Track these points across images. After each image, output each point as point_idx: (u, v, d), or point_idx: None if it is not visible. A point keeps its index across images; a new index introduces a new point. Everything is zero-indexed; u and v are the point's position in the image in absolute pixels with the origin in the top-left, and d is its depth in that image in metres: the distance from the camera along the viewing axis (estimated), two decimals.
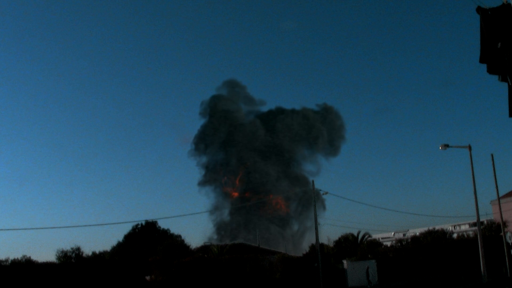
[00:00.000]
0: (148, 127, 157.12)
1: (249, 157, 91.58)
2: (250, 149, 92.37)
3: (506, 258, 40.51)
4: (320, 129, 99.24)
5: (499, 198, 42.16)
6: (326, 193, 54.96)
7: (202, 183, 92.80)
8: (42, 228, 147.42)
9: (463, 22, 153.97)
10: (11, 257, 41.03)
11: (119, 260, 47.54)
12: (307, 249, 55.68)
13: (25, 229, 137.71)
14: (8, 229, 78.60)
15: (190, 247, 51.99)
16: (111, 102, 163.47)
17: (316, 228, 43.70)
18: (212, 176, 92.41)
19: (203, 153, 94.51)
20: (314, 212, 44.29)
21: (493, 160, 41.02)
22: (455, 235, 65.53)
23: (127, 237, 57.09)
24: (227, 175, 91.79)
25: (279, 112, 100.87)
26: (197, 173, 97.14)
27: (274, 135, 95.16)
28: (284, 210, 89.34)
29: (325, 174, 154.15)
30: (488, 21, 7.81)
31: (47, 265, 41.94)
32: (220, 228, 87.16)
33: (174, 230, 74.37)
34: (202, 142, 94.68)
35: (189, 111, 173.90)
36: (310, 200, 45.24)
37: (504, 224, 43.32)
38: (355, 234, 54.19)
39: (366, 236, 54.70)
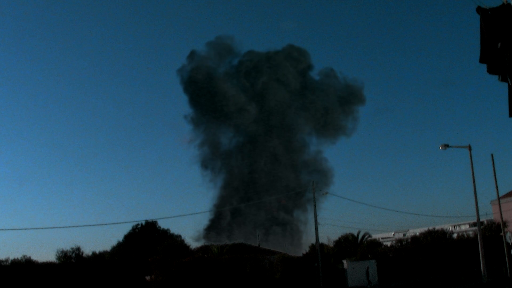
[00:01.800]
0: (148, 127, 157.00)
1: (242, 145, 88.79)
2: (243, 131, 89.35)
3: (506, 258, 40.52)
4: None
5: (499, 198, 42.16)
6: (326, 193, 55.28)
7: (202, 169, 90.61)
8: (42, 228, 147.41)
9: (463, 22, 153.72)
10: (11, 257, 41.13)
11: (119, 260, 47.56)
12: (307, 249, 55.74)
13: (25, 229, 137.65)
14: (8, 229, 78.63)
15: (190, 247, 52.08)
16: (111, 102, 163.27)
17: (316, 228, 43.71)
18: (209, 169, 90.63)
19: (200, 133, 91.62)
20: (314, 212, 44.28)
21: (493, 160, 41.05)
22: (455, 235, 65.59)
23: (127, 237, 57.12)
24: (224, 169, 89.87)
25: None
26: (197, 170, 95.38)
27: (270, 115, 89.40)
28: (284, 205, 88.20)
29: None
30: (488, 21, 7.81)
31: (47, 265, 41.94)
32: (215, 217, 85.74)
33: (174, 230, 74.35)
34: (192, 123, 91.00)
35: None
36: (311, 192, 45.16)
37: (504, 224, 43.32)
38: (355, 234, 54.27)
39: (366, 236, 54.74)
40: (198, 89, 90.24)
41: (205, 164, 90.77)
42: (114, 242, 58.01)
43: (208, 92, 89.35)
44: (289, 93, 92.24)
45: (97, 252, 48.59)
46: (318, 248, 43.24)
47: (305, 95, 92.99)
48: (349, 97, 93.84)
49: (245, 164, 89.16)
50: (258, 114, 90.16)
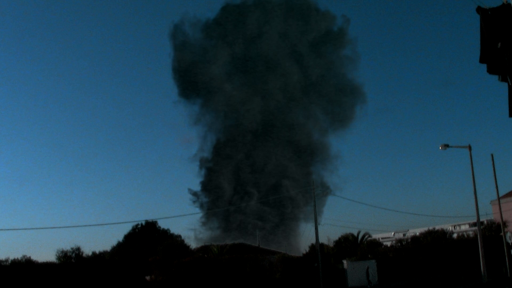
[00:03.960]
0: (148, 127, 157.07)
1: (240, 142, 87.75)
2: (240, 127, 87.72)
3: (506, 258, 40.51)
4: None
5: (499, 198, 42.16)
6: (327, 193, 55.24)
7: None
8: (42, 228, 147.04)
9: (463, 22, 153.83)
10: (11, 257, 41.18)
11: (119, 260, 47.58)
12: (307, 249, 55.73)
13: (25, 229, 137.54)
14: (8, 229, 78.63)
15: (190, 247, 52.08)
16: (111, 102, 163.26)
17: (316, 228, 43.72)
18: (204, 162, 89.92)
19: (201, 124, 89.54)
20: (314, 213, 44.28)
21: (493, 160, 41.05)
22: (455, 235, 65.56)
23: (127, 237, 57.14)
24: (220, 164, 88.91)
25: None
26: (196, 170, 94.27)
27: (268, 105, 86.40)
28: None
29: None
30: (488, 21, 7.81)
31: (47, 265, 41.96)
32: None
33: (174, 230, 74.38)
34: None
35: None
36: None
37: (504, 224, 43.31)
38: (355, 234, 54.25)
39: (366, 236, 54.72)
40: (189, 79, 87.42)
41: (205, 162, 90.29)
42: (114, 242, 58.19)
43: (203, 87, 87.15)
44: (290, 92, 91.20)
45: (97, 252, 48.75)
46: (318, 248, 43.24)
47: (307, 94, 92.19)
48: (350, 95, 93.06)
49: (246, 163, 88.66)
50: (259, 113, 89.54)
